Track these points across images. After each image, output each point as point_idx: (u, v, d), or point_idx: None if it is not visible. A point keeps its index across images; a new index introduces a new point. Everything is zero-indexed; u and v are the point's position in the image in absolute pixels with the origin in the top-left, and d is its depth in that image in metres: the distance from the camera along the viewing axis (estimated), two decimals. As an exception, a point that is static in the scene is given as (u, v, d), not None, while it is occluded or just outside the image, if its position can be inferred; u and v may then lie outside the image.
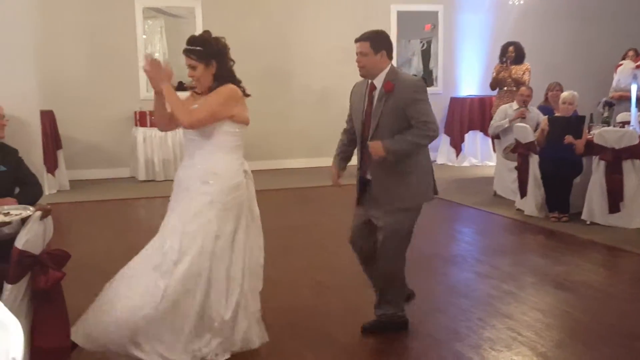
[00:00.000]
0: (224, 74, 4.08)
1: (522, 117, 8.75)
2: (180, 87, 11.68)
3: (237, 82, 4.12)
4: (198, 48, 4.05)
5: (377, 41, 4.38)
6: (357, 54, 4.40)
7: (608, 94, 10.42)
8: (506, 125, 8.86)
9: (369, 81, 4.45)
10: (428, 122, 4.31)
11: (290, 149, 11.69)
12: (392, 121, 4.31)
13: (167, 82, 4.04)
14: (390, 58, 4.46)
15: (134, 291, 3.95)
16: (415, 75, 13.59)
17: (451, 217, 8.57)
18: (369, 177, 4.47)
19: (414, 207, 4.47)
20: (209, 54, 4.05)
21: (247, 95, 4.13)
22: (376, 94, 4.39)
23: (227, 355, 4.06)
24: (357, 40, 4.41)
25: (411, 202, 4.44)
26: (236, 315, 4.03)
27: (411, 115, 4.29)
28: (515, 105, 9.07)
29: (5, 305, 1.64)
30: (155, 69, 4.04)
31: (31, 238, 3.50)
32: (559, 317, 4.92)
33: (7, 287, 3.47)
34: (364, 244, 4.60)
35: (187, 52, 4.08)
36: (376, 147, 4.24)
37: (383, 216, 4.40)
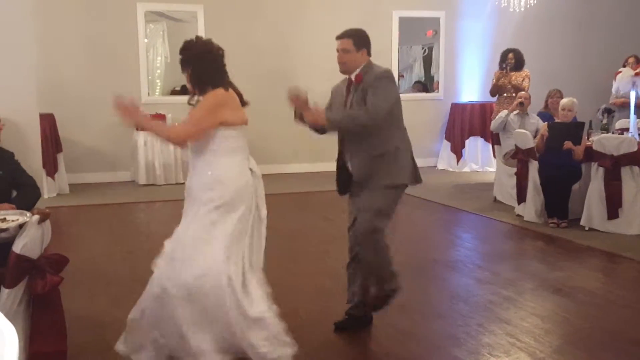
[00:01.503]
0: (201, 78, 4.01)
1: (521, 105, 8.79)
2: (184, 91, 11.73)
3: (223, 85, 4.02)
4: (180, 56, 4.06)
5: (359, 39, 4.52)
6: (338, 50, 4.53)
7: (607, 101, 10.44)
8: (506, 114, 8.85)
9: (349, 77, 4.57)
10: (376, 104, 4.33)
11: (292, 154, 11.68)
12: (360, 106, 4.40)
13: (138, 117, 4.02)
14: (369, 55, 4.58)
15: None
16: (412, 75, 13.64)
17: (451, 223, 8.58)
18: (348, 165, 4.57)
19: (393, 185, 4.49)
20: (186, 60, 4.03)
21: (244, 104, 4.09)
22: (352, 86, 4.53)
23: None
24: (338, 38, 4.55)
25: (390, 180, 4.47)
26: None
27: (367, 98, 4.37)
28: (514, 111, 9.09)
29: (2, 310, 1.65)
30: (122, 110, 4.00)
31: (29, 242, 3.49)
32: (558, 323, 4.92)
33: (4, 291, 3.45)
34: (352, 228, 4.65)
35: (181, 61, 4.09)
36: (314, 115, 4.36)
37: (361, 192, 4.49)
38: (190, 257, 3.88)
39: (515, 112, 8.98)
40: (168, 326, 3.88)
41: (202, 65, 3.99)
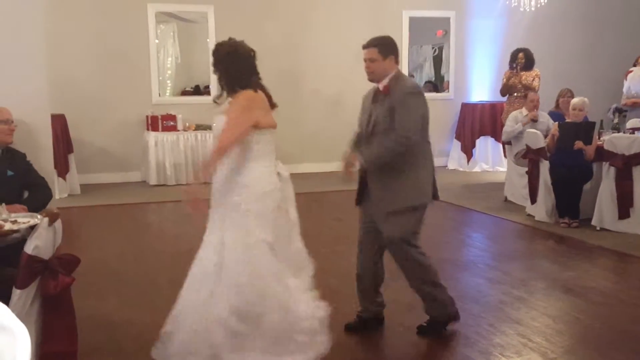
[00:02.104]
0: (229, 78, 4.04)
1: (534, 121, 8.78)
2: (197, 91, 11.76)
3: (253, 86, 4.04)
4: (212, 58, 4.10)
5: (384, 47, 4.45)
6: (365, 60, 4.46)
7: (618, 101, 10.38)
8: (519, 129, 8.84)
9: (377, 87, 4.52)
10: (405, 128, 4.29)
11: (302, 154, 11.68)
12: (387, 123, 4.34)
13: (201, 182, 3.95)
14: (397, 63, 4.52)
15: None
16: (430, 82, 13.63)
17: (462, 222, 8.56)
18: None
19: (410, 208, 4.44)
20: (216, 60, 4.08)
21: (273, 106, 4.11)
22: (379, 97, 4.46)
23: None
24: (364, 47, 4.47)
25: (405, 203, 4.41)
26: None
27: (396, 118, 4.31)
28: (524, 111, 9.08)
29: (14, 310, 1.66)
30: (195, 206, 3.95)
31: (40, 243, 3.50)
32: (569, 323, 4.90)
33: (16, 292, 3.46)
34: (370, 246, 4.65)
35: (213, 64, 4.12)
36: (349, 158, 4.43)
37: (382, 221, 4.45)
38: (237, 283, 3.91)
39: (525, 114, 8.98)
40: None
41: (230, 66, 4.01)
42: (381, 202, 4.44)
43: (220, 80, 4.09)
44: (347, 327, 4.74)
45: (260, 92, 4.04)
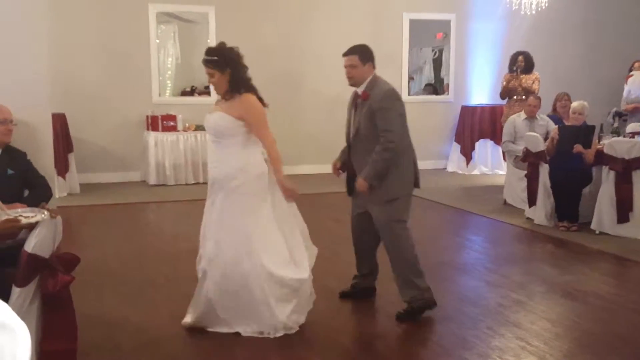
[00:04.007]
0: (237, 80, 4.54)
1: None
2: (192, 91, 11.75)
3: (253, 89, 4.61)
4: (215, 58, 4.53)
5: (364, 54, 4.89)
6: (345, 66, 4.90)
7: (618, 105, 10.41)
8: (519, 149, 8.75)
9: (355, 91, 4.98)
10: (387, 131, 4.72)
11: (300, 155, 11.67)
12: (368, 126, 4.79)
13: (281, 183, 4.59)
14: (374, 68, 4.94)
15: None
16: (431, 85, 13.63)
17: (461, 225, 8.56)
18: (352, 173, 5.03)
19: (398, 196, 4.87)
20: (224, 62, 4.51)
21: (265, 105, 4.60)
22: (359, 101, 4.89)
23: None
24: (345, 55, 4.93)
25: (392, 194, 4.85)
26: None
27: (377, 123, 4.75)
28: (523, 115, 9.07)
29: (14, 308, 1.65)
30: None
31: (40, 241, 3.50)
32: (568, 327, 4.90)
33: (16, 290, 3.46)
34: (363, 232, 5.16)
35: (205, 62, 4.56)
36: (360, 185, 4.81)
37: (373, 208, 4.92)
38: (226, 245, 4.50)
39: (523, 118, 8.99)
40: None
41: (240, 69, 4.55)
42: (370, 195, 4.86)
43: (230, 80, 4.54)
44: (342, 295, 5.32)
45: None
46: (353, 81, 4.91)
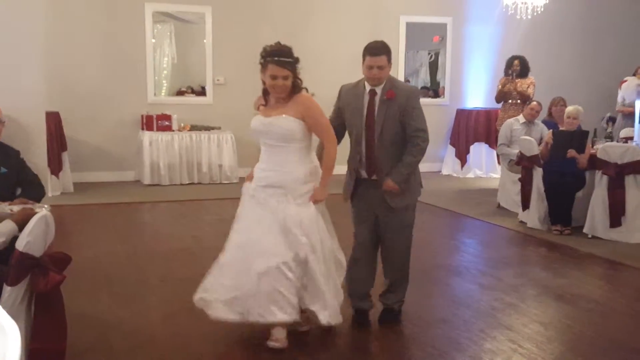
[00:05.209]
0: (299, 82, 4.49)
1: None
2: (181, 93, 11.75)
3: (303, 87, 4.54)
4: (290, 59, 4.39)
5: (390, 53, 4.65)
6: (374, 67, 4.57)
7: (612, 109, 10.44)
8: (514, 153, 8.76)
9: (366, 87, 4.68)
10: (420, 130, 4.61)
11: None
12: (393, 127, 4.61)
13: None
14: None
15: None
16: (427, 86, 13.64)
17: (455, 228, 8.58)
18: (374, 177, 4.73)
19: (414, 202, 4.85)
20: (290, 63, 4.39)
21: None
22: (377, 100, 4.63)
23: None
24: (375, 54, 4.57)
25: (413, 199, 4.81)
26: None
27: (407, 123, 4.59)
28: (521, 118, 9.09)
29: (4, 307, 1.65)
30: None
31: (32, 240, 3.49)
32: (560, 330, 4.91)
33: (7, 289, 3.44)
34: (368, 236, 4.85)
35: (281, 63, 4.34)
36: (392, 187, 4.60)
37: (389, 213, 4.72)
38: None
39: (522, 122, 9.01)
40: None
41: (297, 70, 4.45)
42: (392, 199, 4.67)
43: (294, 80, 4.43)
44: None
45: None
46: (379, 82, 4.62)
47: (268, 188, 4.40)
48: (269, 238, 4.32)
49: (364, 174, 4.75)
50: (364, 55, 4.63)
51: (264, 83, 4.47)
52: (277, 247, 4.31)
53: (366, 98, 4.67)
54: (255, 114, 4.61)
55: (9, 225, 3.74)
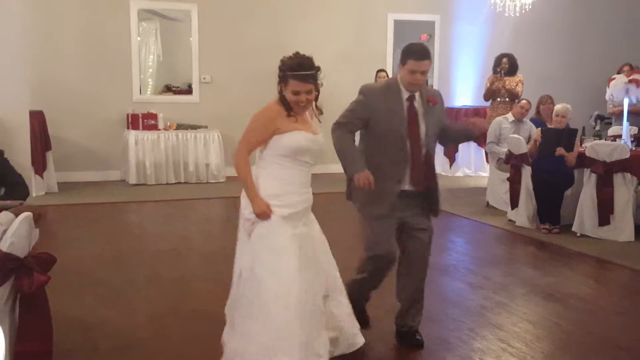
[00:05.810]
0: (316, 94, 4.02)
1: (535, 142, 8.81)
2: (168, 89, 11.69)
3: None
4: (312, 72, 3.94)
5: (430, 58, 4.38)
6: (417, 72, 4.24)
7: (601, 108, 10.45)
8: (503, 151, 8.75)
9: (403, 92, 4.34)
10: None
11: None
12: (436, 133, 4.46)
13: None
14: None
15: None
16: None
17: (444, 227, 8.54)
18: (410, 188, 4.37)
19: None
20: (314, 76, 3.96)
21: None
22: (418, 105, 4.34)
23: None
24: (422, 59, 4.24)
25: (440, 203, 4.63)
26: None
27: (443, 123, 4.53)
28: (510, 117, 9.08)
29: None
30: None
31: (16, 241, 3.44)
32: (549, 329, 4.90)
33: (-9, 290, 3.41)
34: (395, 251, 4.49)
35: (305, 78, 3.92)
36: (480, 122, 4.59)
37: (425, 220, 4.49)
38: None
39: (511, 120, 9.01)
40: None
41: None
42: (426, 201, 4.46)
43: (316, 94, 4.01)
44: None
45: None
46: (419, 88, 4.33)
47: (307, 210, 4.07)
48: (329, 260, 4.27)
49: (407, 185, 4.36)
50: (404, 58, 4.26)
51: (280, 92, 4.08)
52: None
53: (405, 104, 4.33)
54: (252, 114, 4.27)
55: (9, 216, 3.68)
